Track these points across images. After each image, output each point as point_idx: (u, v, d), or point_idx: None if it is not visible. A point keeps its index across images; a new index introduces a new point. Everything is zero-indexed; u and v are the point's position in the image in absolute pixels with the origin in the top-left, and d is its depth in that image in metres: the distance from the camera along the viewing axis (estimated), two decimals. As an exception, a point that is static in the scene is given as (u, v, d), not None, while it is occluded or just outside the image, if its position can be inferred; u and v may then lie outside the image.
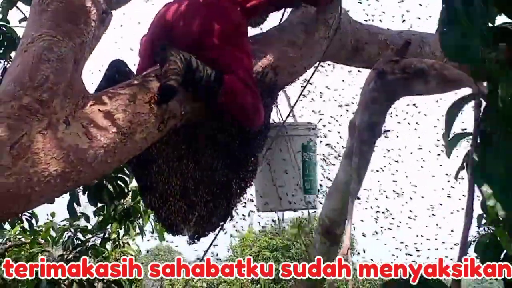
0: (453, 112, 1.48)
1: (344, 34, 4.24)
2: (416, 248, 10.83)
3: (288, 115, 4.24)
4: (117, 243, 6.23)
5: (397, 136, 9.21)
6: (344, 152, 2.54)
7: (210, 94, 3.18)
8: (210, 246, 3.91)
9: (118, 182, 5.36)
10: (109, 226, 5.99)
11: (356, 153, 2.32)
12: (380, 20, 8.64)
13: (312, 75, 4.40)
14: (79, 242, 5.98)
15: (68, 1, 2.86)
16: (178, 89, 3.03)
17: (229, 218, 3.62)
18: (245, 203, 5.59)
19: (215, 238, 3.74)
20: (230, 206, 3.58)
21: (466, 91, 1.57)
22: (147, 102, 2.97)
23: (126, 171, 5.29)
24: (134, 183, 5.75)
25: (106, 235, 6.09)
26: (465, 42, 1.33)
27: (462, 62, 1.52)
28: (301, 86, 4.72)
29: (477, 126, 1.42)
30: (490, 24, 1.39)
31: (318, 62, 4.21)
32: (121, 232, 6.18)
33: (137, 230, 6.11)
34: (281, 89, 3.98)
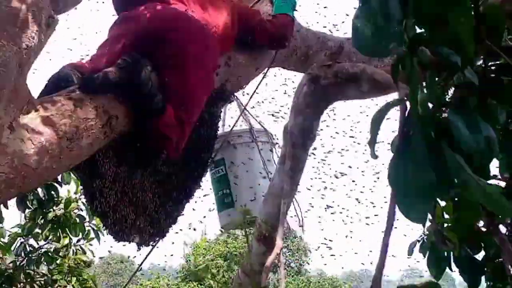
0: (378, 118, 1.49)
1: (293, 40, 4.26)
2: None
3: (236, 122, 4.23)
4: (70, 250, 6.11)
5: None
6: (279, 157, 2.57)
7: (146, 112, 3.12)
8: (148, 254, 3.86)
9: (49, 189, 5.26)
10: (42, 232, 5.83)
11: (289, 156, 2.34)
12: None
13: (260, 82, 4.42)
14: (31, 248, 5.86)
15: (12, 6, 2.82)
16: (100, 86, 2.97)
17: (174, 224, 3.61)
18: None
19: (154, 245, 3.71)
20: (177, 212, 3.58)
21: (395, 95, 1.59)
22: (93, 107, 2.95)
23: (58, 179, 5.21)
24: (66, 191, 5.70)
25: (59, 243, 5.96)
26: (377, 38, 1.36)
27: (373, 55, 1.54)
28: (246, 93, 4.73)
29: (401, 131, 1.45)
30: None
31: (267, 69, 4.23)
32: (74, 239, 6.08)
33: (92, 235, 6.03)
34: (230, 96, 3.99)
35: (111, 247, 7.27)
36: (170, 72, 3.23)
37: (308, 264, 30.55)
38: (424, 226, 2.88)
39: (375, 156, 1.49)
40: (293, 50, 4.32)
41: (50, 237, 5.86)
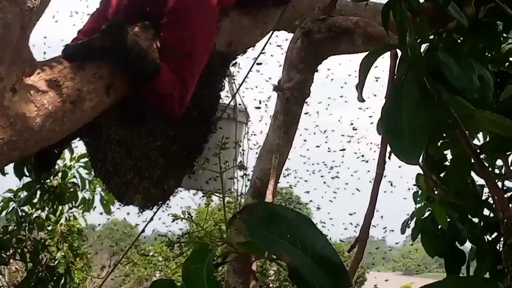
0: (367, 62, 1.49)
1: (298, 2, 4.21)
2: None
3: (236, 93, 4.18)
4: (62, 216, 6.09)
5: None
6: (273, 113, 2.55)
7: (140, 75, 3.11)
8: (153, 216, 3.88)
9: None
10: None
11: (281, 111, 2.33)
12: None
13: (265, 45, 4.37)
14: (24, 214, 5.85)
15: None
16: (85, 53, 2.95)
17: (177, 188, 3.62)
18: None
19: (157, 210, 3.72)
20: (181, 176, 3.59)
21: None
22: (96, 70, 2.94)
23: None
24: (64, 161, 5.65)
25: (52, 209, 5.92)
26: None
27: None
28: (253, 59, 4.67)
29: (392, 75, 1.45)
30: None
31: (271, 32, 4.19)
32: (66, 206, 6.05)
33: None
34: (233, 60, 3.96)
35: (113, 213, 7.21)
36: (167, 28, 3.24)
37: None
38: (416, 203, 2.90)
39: (362, 99, 1.50)
40: (298, 12, 4.27)
41: (47, 209, 5.83)
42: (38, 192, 5.57)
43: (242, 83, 4.24)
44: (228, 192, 4.00)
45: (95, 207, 6.17)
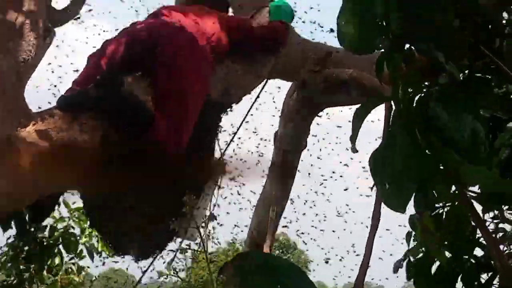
0: (360, 115, 1.50)
1: (291, 50, 4.25)
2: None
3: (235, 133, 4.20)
4: (62, 268, 6.03)
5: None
6: (270, 164, 2.55)
7: (135, 124, 3.08)
8: (149, 265, 3.84)
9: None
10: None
11: (277, 163, 2.32)
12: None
13: (260, 92, 4.39)
14: (24, 267, 5.78)
15: (8, 19, 2.82)
16: (79, 103, 2.95)
17: (175, 237, 3.58)
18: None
19: (155, 258, 3.69)
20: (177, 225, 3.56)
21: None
22: (90, 121, 2.94)
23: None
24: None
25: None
26: (362, 33, 1.37)
27: (356, 52, 1.53)
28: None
29: (387, 127, 1.45)
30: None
31: (265, 80, 4.22)
32: (66, 257, 5.99)
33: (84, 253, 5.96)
34: (228, 108, 3.97)
35: (106, 259, 7.11)
36: (160, 76, 3.25)
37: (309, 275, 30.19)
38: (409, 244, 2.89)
39: (355, 150, 1.51)
40: (291, 60, 4.32)
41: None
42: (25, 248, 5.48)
43: (236, 132, 4.25)
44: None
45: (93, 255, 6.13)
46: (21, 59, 2.80)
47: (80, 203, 4.48)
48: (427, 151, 1.36)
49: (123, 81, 3.00)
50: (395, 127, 1.38)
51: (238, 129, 4.20)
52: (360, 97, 2.19)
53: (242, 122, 4.26)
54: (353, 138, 1.51)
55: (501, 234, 2.94)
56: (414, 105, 1.37)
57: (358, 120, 1.49)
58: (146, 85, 3.28)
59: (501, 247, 2.91)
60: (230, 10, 4.70)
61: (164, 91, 3.25)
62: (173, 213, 3.49)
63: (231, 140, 4.13)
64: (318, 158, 9.99)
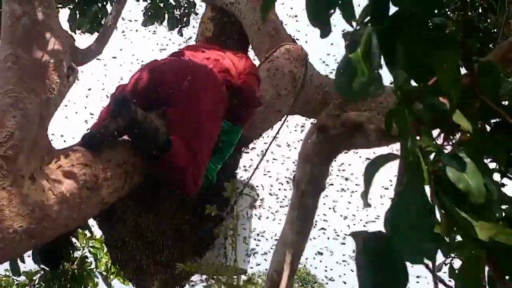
0: (371, 170, 1.49)
1: (310, 87, 4.30)
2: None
3: (256, 168, 4.21)
4: None
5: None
6: (289, 206, 2.55)
7: (154, 151, 3.15)
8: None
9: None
10: None
11: (295, 206, 2.33)
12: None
13: (279, 129, 4.42)
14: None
15: (33, 58, 2.88)
16: (102, 139, 2.99)
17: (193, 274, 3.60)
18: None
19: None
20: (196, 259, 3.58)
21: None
22: (112, 157, 2.99)
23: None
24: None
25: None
26: (358, 84, 1.38)
27: (351, 100, 1.54)
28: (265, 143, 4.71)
29: (399, 182, 1.45)
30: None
31: (285, 116, 4.25)
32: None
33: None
34: (249, 144, 4.01)
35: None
36: (176, 110, 3.35)
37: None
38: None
39: (368, 205, 1.50)
40: (310, 97, 4.37)
41: None
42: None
43: (256, 167, 4.26)
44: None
45: None
46: (44, 97, 2.84)
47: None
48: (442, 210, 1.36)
49: (134, 104, 3.02)
50: (407, 182, 1.38)
51: (258, 164, 4.22)
52: (379, 141, 2.20)
53: (261, 159, 4.29)
54: (365, 194, 1.50)
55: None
56: (424, 164, 1.37)
57: (369, 176, 1.48)
58: (161, 114, 3.32)
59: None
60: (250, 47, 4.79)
61: (180, 123, 3.28)
62: (194, 248, 3.52)
63: (252, 174, 4.15)
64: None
